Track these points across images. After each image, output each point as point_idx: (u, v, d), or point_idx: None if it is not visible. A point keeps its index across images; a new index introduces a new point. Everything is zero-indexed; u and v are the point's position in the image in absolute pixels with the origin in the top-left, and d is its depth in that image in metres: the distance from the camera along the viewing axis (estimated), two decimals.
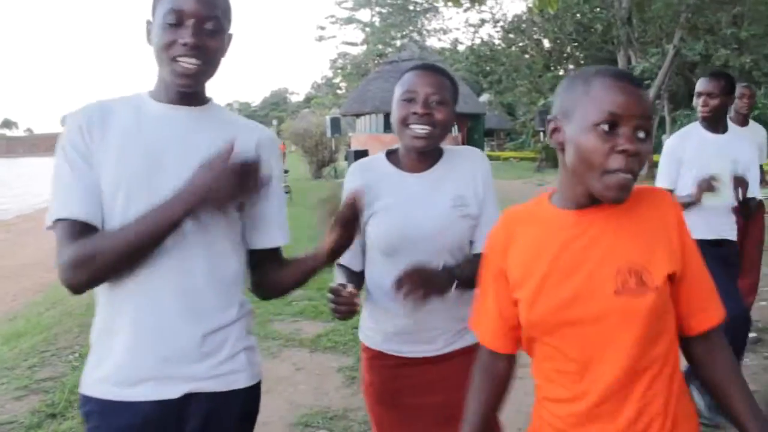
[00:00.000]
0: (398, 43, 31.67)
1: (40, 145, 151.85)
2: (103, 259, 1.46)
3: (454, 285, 1.82)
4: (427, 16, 25.54)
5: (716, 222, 3.57)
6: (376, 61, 39.94)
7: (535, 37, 24.39)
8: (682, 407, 1.38)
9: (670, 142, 3.74)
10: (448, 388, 2.00)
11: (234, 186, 1.46)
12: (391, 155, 2.04)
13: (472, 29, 24.25)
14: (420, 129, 1.89)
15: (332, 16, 55.66)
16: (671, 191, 3.45)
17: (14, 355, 5.14)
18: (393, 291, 1.74)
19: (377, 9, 33.21)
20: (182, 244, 1.56)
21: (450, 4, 9.42)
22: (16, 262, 11.67)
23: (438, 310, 1.93)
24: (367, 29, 40.88)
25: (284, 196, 1.82)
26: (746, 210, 3.53)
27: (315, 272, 1.74)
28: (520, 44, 24.81)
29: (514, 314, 1.44)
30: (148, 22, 1.64)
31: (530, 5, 22.70)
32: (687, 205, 3.40)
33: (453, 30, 40.14)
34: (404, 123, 1.91)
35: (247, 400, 1.72)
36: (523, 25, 24.14)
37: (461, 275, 1.84)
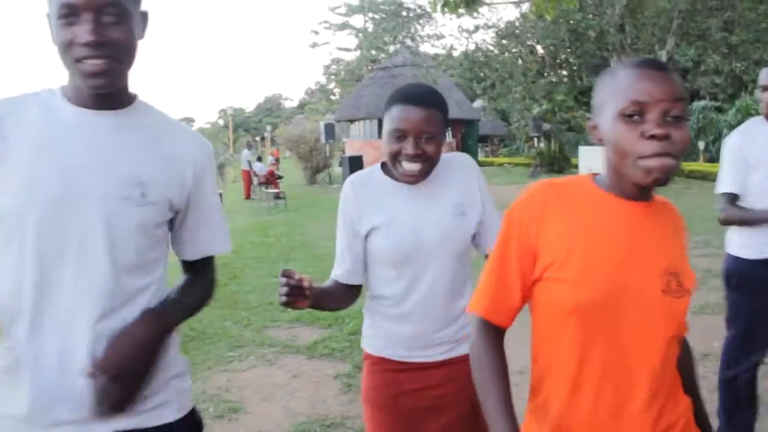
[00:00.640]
0: (392, 48, 31.65)
1: None
2: None
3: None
4: (421, 21, 25.56)
5: None
6: (369, 67, 39.95)
7: (529, 43, 24.48)
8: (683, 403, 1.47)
9: (732, 141, 3.31)
10: (448, 394, 2.01)
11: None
12: (386, 167, 2.03)
13: (465, 35, 24.28)
14: (412, 167, 1.89)
15: (326, 22, 55.70)
16: (737, 196, 3.17)
17: None
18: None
19: (370, 15, 33.24)
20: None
21: (446, 9, 9.42)
22: None
23: (433, 323, 1.98)
24: (361, 35, 40.92)
25: (219, 206, 1.70)
26: None
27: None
28: (514, 50, 24.88)
29: (529, 293, 1.44)
30: (48, 16, 1.42)
31: (526, 12, 22.83)
32: (757, 221, 3.11)
33: (447, 36, 40.38)
34: (395, 158, 1.91)
35: None
36: (517, 31, 24.24)
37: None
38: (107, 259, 1.42)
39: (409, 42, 26.76)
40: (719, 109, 29.93)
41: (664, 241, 1.37)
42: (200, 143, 1.62)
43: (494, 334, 1.49)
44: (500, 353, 1.48)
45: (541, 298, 1.41)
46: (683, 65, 26.77)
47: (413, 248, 1.94)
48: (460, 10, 9.00)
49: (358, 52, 50.20)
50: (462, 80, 34.41)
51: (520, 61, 24.53)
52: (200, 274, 1.70)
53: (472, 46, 25.40)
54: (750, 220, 3.15)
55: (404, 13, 25.00)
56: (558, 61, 24.85)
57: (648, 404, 1.34)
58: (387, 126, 1.93)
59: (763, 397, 4.00)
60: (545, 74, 25.70)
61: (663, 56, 20.49)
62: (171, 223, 1.60)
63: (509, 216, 1.45)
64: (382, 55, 35.69)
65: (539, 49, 24.66)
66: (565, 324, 1.36)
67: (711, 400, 3.92)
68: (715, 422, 3.39)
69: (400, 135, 1.88)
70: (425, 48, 32.79)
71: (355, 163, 18.03)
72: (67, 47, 1.37)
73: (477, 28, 23.85)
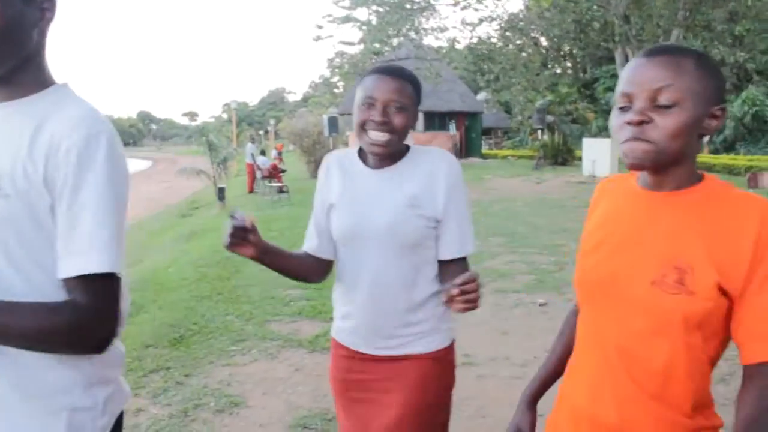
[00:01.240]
0: (395, 41, 31.55)
1: None
2: None
3: None
4: (425, 14, 25.41)
5: None
6: (373, 60, 39.81)
7: (533, 35, 24.34)
8: None
9: None
10: (394, 390, 1.96)
11: None
12: (363, 151, 2.02)
13: (469, 28, 24.13)
14: (377, 136, 1.86)
15: (329, 15, 55.45)
16: None
17: None
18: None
19: (374, 8, 33.05)
20: None
21: None
22: None
23: (388, 313, 1.93)
24: (364, 28, 40.80)
25: (100, 210, 1.26)
26: None
27: None
28: (518, 42, 24.74)
29: None
30: None
31: (529, 3, 22.70)
32: None
33: (450, 28, 40.21)
34: (362, 128, 1.89)
35: None
36: (521, 23, 24.09)
37: None
38: None
39: (412, 35, 26.60)
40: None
41: (680, 233, 1.28)
42: (75, 124, 1.29)
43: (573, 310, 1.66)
44: (572, 319, 1.63)
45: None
46: None
47: (358, 229, 1.92)
48: (463, 2, 8.92)
49: (361, 46, 50.06)
50: (466, 73, 34.32)
51: (523, 54, 24.38)
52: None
53: (475, 39, 25.23)
54: None
55: (408, 6, 24.82)
56: (562, 53, 24.74)
57: (627, 398, 1.32)
58: (358, 95, 1.91)
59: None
60: (549, 66, 25.60)
61: None
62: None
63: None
64: (386, 49, 35.58)
65: (543, 41, 24.52)
66: (579, 301, 1.50)
67: (714, 394, 3.90)
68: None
69: (369, 103, 1.87)
70: (429, 41, 32.75)
71: None
72: None
73: (480, 20, 23.65)
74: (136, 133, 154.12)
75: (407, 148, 2.00)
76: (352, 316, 2.00)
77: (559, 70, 33.27)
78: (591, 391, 1.38)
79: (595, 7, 20.62)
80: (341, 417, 2.10)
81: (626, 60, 23.61)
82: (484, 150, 37.11)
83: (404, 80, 1.90)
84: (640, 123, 1.25)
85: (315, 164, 24.68)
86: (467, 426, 3.52)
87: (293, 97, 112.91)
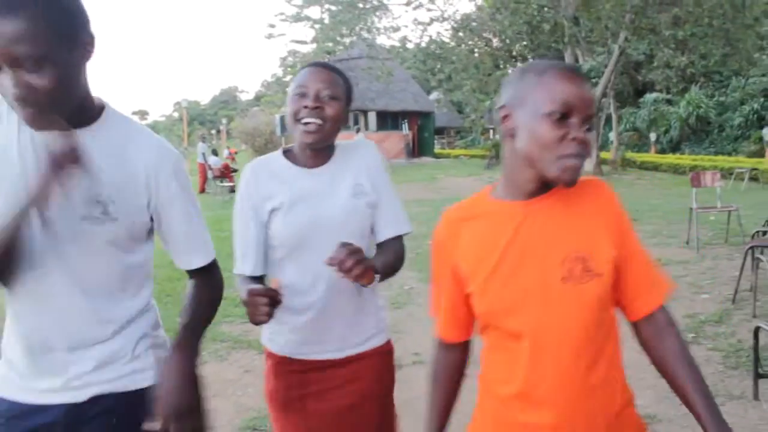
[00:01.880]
0: (348, 41, 31.53)
1: None
2: None
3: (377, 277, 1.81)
4: (377, 14, 25.46)
5: None
6: (326, 59, 39.70)
7: (485, 35, 24.57)
8: (627, 416, 1.47)
9: None
10: (356, 391, 1.98)
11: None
12: (288, 153, 2.02)
13: (421, 27, 24.22)
14: (310, 121, 1.87)
15: (282, 14, 55.24)
16: None
17: None
18: (330, 267, 1.65)
19: (327, 6, 32.99)
20: (38, 260, 1.45)
21: None
22: None
23: (338, 316, 1.94)
24: (317, 27, 40.69)
25: (194, 216, 1.68)
26: None
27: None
28: (470, 43, 24.94)
29: (467, 307, 1.49)
30: None
31: (479, 4, 22.92)
32: None
33: (402, 28, 40.33)
34: (296, 117, 1.90)
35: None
36: (473, 24, 24.28)
37: (381, 266, 1.85)
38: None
39: (365, 34, 26.62)
40: (670, 102, 30.59)
41: (567, 228, 1.39)
42: (163, 152, 1.59)
43: (443, 349, 1.61)
44: (448, 364, 1.61)
45: (474, 308, 1.48)
46: (635, 58, 27.21)
47: (312, 230, 1.91)
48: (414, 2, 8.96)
49: (314, 45, 49.90)
50: (418, 72, 34.49)
51: (475, 54, 24.60)
52: (204, 281, 1.72)
53: (426, 39, 25.34)
54: None
55: (360, 5, 24.82)
56: (513, 54, 25.04)
57: (564, 395, 1.36)
58: (291, 88, 1.94)
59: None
60: (501, 67, 25.89)
61: (615, 50, 20.81)
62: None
63: (433, 243, 1.55)
64: (339, 48, 35.53)
65: (495, 42, 24.78)
66: (484, 328, 1.48)
67: (657, 386, 3.99)
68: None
69: (302, 92, 1.90)
70: (381, 40, 32.81)
71: None
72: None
73: (432, 20, 23.77)
74: None
75: (333, 147, 2.03)
76: (308, 324, 1.95)
77: (510, 71, 33.63)
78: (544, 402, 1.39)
79: (545, 8, 20.93)
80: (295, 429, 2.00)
81: (576, 61, 24.04)
82: (437, 149, 37.34)
83: (336, 73, 1.95)
84: (585, 141, 1.33)
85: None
86: (419, 425, 3.55)
87: (246, 96, 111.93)
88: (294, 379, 1.99)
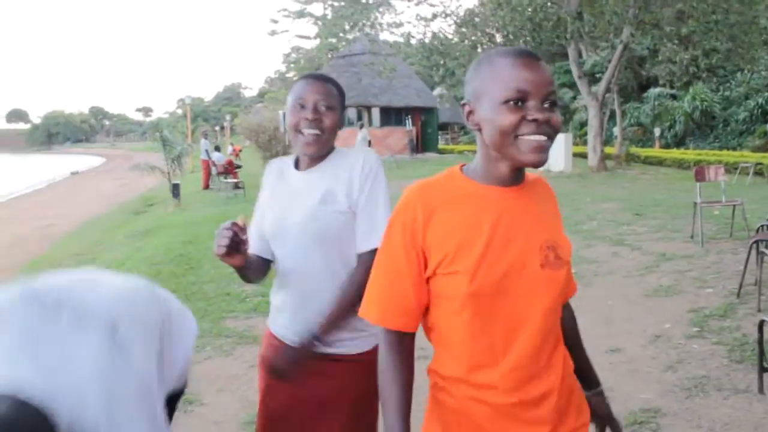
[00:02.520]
0: (351, 37, 31.50)
1: None
2: None
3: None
4: (380, 9, 25.43)
5: None
6: (329, 55, 39.70)
7: (488, 31, 24.50)
8: (572, 383, 1.57)
9: None
10: (318, 387, 2.03)
11: None
12: (299, 161, 2.18)
13: (423, 23, 24.17)
14: (310, 134, 2.02)
15: (285, 10, 55.21)
16: None
17: None
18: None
19: (330, 2, 33.02)
20: None
21: None
22: None
23: (316, 307, 1.99)
24: (320, 23, 40.66)
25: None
26: None
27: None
28: (473, 38, 24.88)
29: (425, 292, 1.47)
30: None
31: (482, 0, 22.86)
32: None
33: (405, 23, 40.25)
34: (296, 129, 2.04)
35: None
36: (476, 19, 24.22)
37: (326, 326, 1.98)
38: None
39: (368, 30, 26.59)
40: (674, 97, 30.51)
41: (539, 218, 1.47)
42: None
43: (394, 339, 1.51)
44: (400, 358, 1.51)
45: (436, 291, 1.46)
46: (639, 53, 27.15)
47: (278, 228, 2.07)
48: None
49: (317, 41, 49.84)
50: (421, 68, 34.42)
51: (478, 50, 24.53)
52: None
53: (430, 35, 25.27)
54: None
55: (363, 1, 24.81)
56: None
57: (530, 377, 1.44)
58: (289, 101, 2.08)
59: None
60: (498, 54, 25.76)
61: (619, 45, 20.76)
62: None
63: (390, 225, 1.50)
64: (342, 43, 35.48)
65: (498, 38, 24.71)
66: (462, 310, 1.42)
67: (662, 380, 4.00)
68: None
69: (301, 104, 2.04)
70: (384, 36, 32.74)
71: None
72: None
73: (435, 16, 23.73)
74: (88, 129, 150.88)
75: (331, 150, 2.13)
76: (285, 310, 2.11)
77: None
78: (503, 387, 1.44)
79: (549, 3, 20.87)
80: (264, 394, 2.15)
81: (580, 56, 23.96)
82: (441, 145, 37.29)
83: (330, 84, 2.10)
84: (547, 121, 1.36)
85: (270, 159, 24.50)
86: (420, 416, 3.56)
87: (249, 93, 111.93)
88: (272, 352, 2.11)
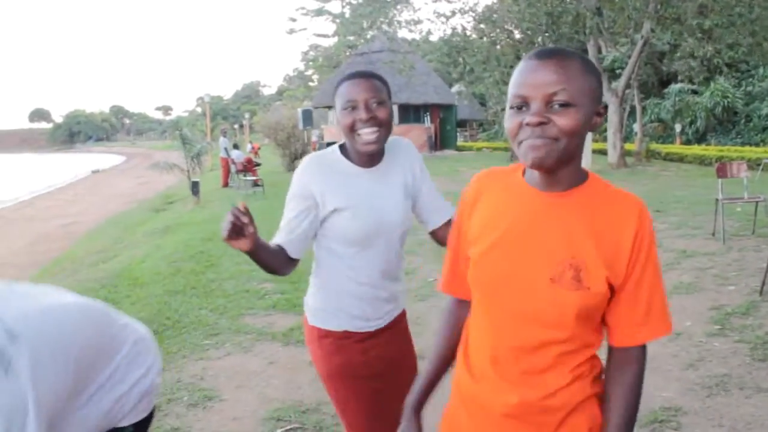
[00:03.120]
0: (369, 34, 31.50)
1: (7, 141, 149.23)
2: None
3: None
4: (398, 7, 25.41)
5: None
6: (347, 53, 39.72)
7: (507, 27, 24.38)
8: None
9: None
10: (400, 351, 2.29)
11: None
12: (344, 149, 2.17)
13: (442, 20, 24.08)
14: (368, 133, 2.03)
15: (303, 8, 55.33)
16: None
17: None
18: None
19: (348, 0, 33.08)
20: None
21: None
22: None
23: (387, 289, 2.21)
24: (338, 21, 40.73)
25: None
26: None
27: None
28: (492, 35, 24.77)
29: (467, 267, 1.53)
30: None
31: None
32: None
33: (424, 20, 40.19)
34: (352, 130, 2.04)
35: None
36: (495, 16, 24.12)
37: None
38: None
39: (386, 27, 26.57)
40: (695, 92, 30.18)
41: (573, 233, 1.37)
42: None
43: (450, 303, 1.69)
44: (451, 319, 1.68)
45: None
46: (660, 48, 26.85)
47: (376, 229, 2.12)
48: None
49: (335, 38, 49.94)
50: (440, 65, 34.34)
51: (497, 46, 24.44)
52: None
53: (449, 31, 25.21)
54: None
55: None
56: (535, 45, 24.84)
57: (517, 384, 1.42)
58: (339, 103, 2.08)
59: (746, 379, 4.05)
60: (522, 58, 25.64)
61: (639, 40, 20.56)
62: None
63: (458, 203, 1.61)
64: (360, 41, 35.50)
65: (516, 34, 24.58)
66: (473, 292, 1.52)
67: (683, 378, 3.97)
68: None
69: (352, 106, 2.04)
70: (403, 33, 32.70)
71: None
72: None
73: (453, 12, 23.66)
74: (109, 127, 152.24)
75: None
76: (363, 306, 2.18)
77: None
78: (488, 380, 1.47)
79: None
80: (370, 391, 2.19)
81: (599, 52, 23.78)
82: (459, 142, 37.20)
83: (375, 79, 2.09)
84: (539, 124, 1.32)
85: (289, 157, 24.56)
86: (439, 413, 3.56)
87: (268, 91, 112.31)
88: (356, 348, 2.19)
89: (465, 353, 1.55)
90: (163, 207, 19.62)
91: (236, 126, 67.37)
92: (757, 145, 25.70)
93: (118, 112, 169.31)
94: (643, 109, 27.12)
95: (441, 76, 35.67)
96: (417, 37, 29.37)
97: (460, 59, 24.65)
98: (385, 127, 2.06)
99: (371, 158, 2.13)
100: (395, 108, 30.19)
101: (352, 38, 36.44)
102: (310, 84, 69.51)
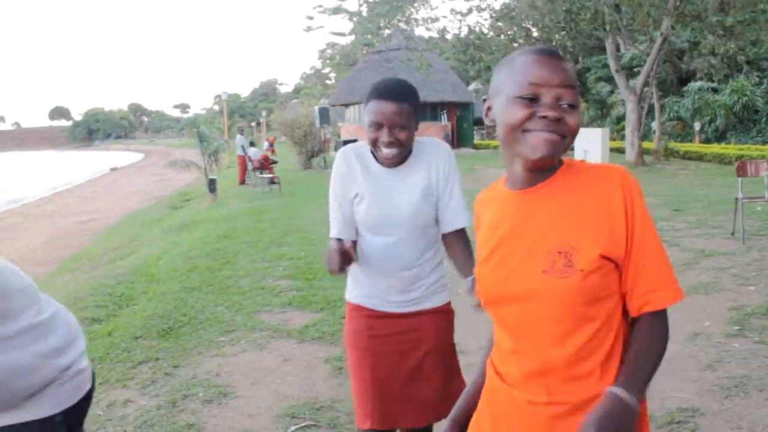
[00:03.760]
0: (386, 32, 31.48)
1: (28, 139, 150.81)
2: None
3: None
4: (415, 4, 25.37)
5: None
6: (364, 51, 39.73)
7: (524, 25, 24.27)
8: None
9: None
10: (414, 340, 2.44)
11: None
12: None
13: (459, 17, 24.03)
14: (388, 152, 2.27)
15: (320, 6, 55.40)
16: None
17: None
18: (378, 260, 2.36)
19: None
20: None
21: None
22: None
23: (398, 282, 2.40)
24: (355, 19, 40.74)
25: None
26: None
27: None
28: (509, 33, 24.66)
29: None
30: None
31: None
32: None
33: (441, 18, 40.17)
34: (375, 145, 2.28)
35: None
36: (513, 13, 24.02)
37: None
38: None
39: (403, 25, 26.54)
40: (715, 90, 29.86)
41: (557, 220, 1.39)
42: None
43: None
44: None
45: None
46: (679, 46, 26.61)
47: (384, 222, 2.35)
48: None
49: (352, 37, 49.94)
50: (457, 63, 34.26)
51: (515, 44, 24.32)
52: None
53: (465, 29, 25.13)
54: None
55: None
56: (553, 42, 24.71)
57: (539, 384, 1.40)
58: (367, 118, 2.28)
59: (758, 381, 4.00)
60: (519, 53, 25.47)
61: (658, 37, 20.37)
62: None
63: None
64: (377, 39, 35.47)
65: (535, 32, 24.46)
66: (485, 308, 1.54)
67: (701, 379, 3.92)
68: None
69: (377, 126, 2.25)
70: (420, 31, 32.68)
71: None
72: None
73: (470, 10, 23.59)
74: (127, 125, 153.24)
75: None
76: (374, 284, 2.43)
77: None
78: (517, 378, 1.45)
79: None
80: (361, 364, 2.45)
81: (617, 49, 23.59)
82: (476, 140, 37.05)
83: (403, 101, 2.25)
84: (558, 120, 1.33)
85: (306, 155, 24.60)
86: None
87: (285, 89, 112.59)
88: (363, 322, 2.47)
89: (491, 362, 1.57)
90: (181, 204, 19.74)
91: (253, 124, 67.60)
92: None
93: (137, 109, 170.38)
94: (662, 107, 26.87)
95: (458, 73, 35.56)
96: (434, 35, 29.26)
97: (477, 57, 24.57)
98: (403, 147, 2.28)
99: (392, 162, 2.34)
100: None
101: (369, 36, 36.40)
102: (327, 82, 69.62)
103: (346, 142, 18.91)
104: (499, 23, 24.45)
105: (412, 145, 2.35)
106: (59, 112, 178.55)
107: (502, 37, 24.76)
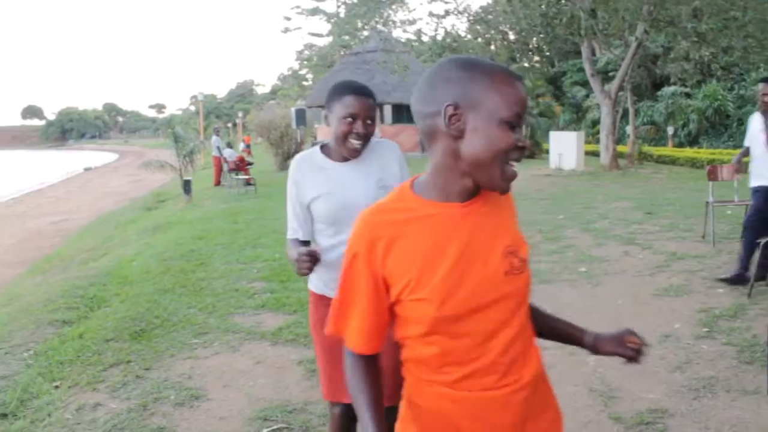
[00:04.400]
0: (364, 34, 31.48)
1: (0, 138, 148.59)
2: None
3: None
4: (393, 7, 25.38)
5: None
6: (342, 53, 39.71)
7: (501, 28, 24.39)
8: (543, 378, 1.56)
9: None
10: None
11: None
12: (324, 148, 2.62)
13: (435, 20, 24.07)
14: (357, 143, 2.47)
15: (298, 7, 55.31)
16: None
17: None
18: None
19: (342, 0, 33.01)
20: None
21: None
22: None
23: None
24: (333, 20, 40.72)
25: None
26: None
27: None
28: (486, 36, 24.77)
29: (388, 318, 1.47)
30: None
31: None
32: None
33: (418, 21, 40.20)
34: (345, 137, 2.46)
35: None
36: (489, 17, 24.12)
37: None
38: None
39: (381, 27, 26.54)
40: (688, 95, 30.27)
41: (499, 224, 1.47)
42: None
43: (361, 362, 1.52)
44: (367, 380, 1.51)
45: (403, 315, 1.44)
46: (653, 51, 26.92)
47: (344, 213, 2.45)
48: None
49: (330, 38, 49.92)
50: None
51: (491, 47, 24.45)
52: None
53: (442, 32, 25.19)
54: None
55: None
56: (530, 46, 24.88)
57: (504, 372, 1.44)
58: (341, 111, 2.45)
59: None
60: (517, 60, 25.71)
61: (633, 42, 20.59)
62: None
63: (348, 253, 1.46)
64: (354, 41, 35.47)
65: (511, 35, 24.59)
66: (430, 332, 1.40)
67: (670, 381, 3.97)
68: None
69: (353, 118, 2.43)
70: (397, 33, 32.71)
71: None
72: None
73: (447, 13, 23.62)
74: (101, 125, 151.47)
75: None
76: (334, 275, 2.39)
77: (527, 64, 33.44)
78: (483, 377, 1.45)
79: (562, 0, 20.74)
80: (329, 358, 2.59)
81: (593, 54, 23.80)
82: None
83: (372, 98, 2.50)
84: (527, 147, 1.40)
85: (282, 156, 24.51)
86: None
87: (262, 90, 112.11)
88: (325, 311, 2.42)
89: (420, 378, 1.48)
90: (155, 205, 19.57)
91: (230, 125, 67.21)
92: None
93: (111, 109, 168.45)
94: (636, 111, 27.15)
95: None
96: (412, 37, 29.30)
97: None
98: (368, 140, 2.51)
99: (354, 155, 2.52)
100: (389, 108, 30.29)
101: (346, 38, 36.39)
102: (304, 83, 69.48)
103: (323, 144, 18.83)
104: (477, 26, 24.53)
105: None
106: (32, 111, 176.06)
107: (479, 39, 24.86)
